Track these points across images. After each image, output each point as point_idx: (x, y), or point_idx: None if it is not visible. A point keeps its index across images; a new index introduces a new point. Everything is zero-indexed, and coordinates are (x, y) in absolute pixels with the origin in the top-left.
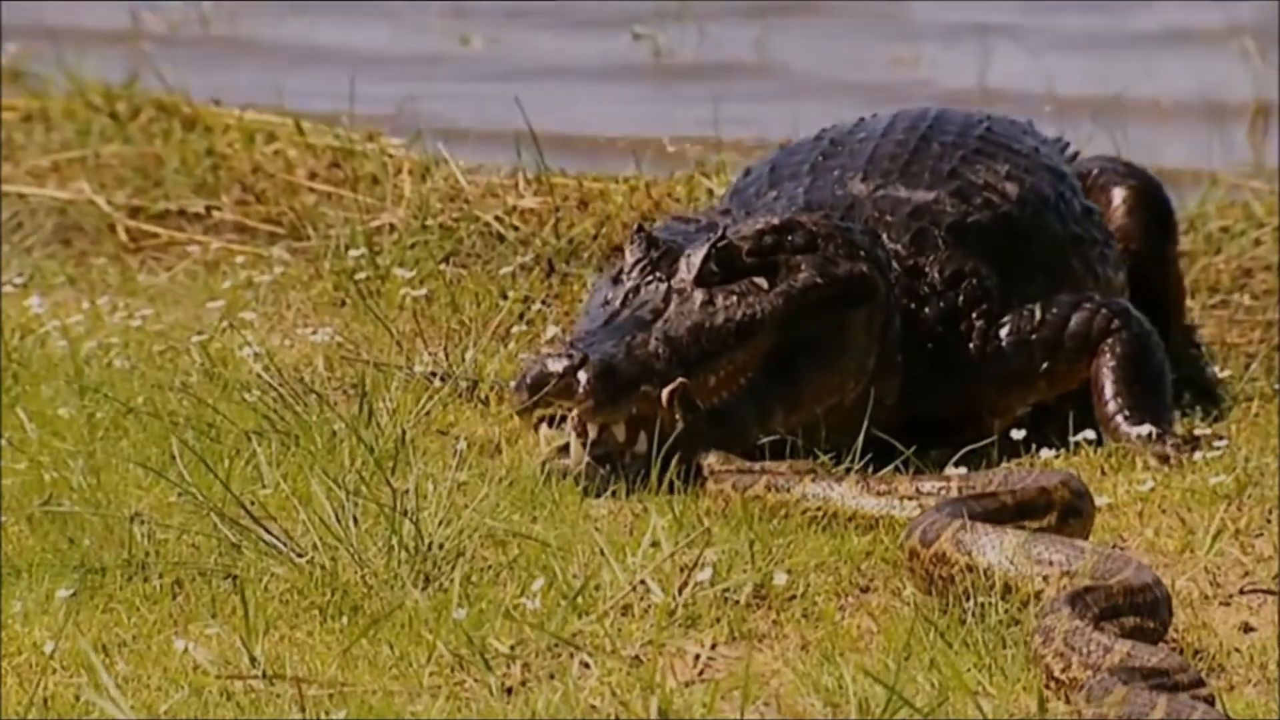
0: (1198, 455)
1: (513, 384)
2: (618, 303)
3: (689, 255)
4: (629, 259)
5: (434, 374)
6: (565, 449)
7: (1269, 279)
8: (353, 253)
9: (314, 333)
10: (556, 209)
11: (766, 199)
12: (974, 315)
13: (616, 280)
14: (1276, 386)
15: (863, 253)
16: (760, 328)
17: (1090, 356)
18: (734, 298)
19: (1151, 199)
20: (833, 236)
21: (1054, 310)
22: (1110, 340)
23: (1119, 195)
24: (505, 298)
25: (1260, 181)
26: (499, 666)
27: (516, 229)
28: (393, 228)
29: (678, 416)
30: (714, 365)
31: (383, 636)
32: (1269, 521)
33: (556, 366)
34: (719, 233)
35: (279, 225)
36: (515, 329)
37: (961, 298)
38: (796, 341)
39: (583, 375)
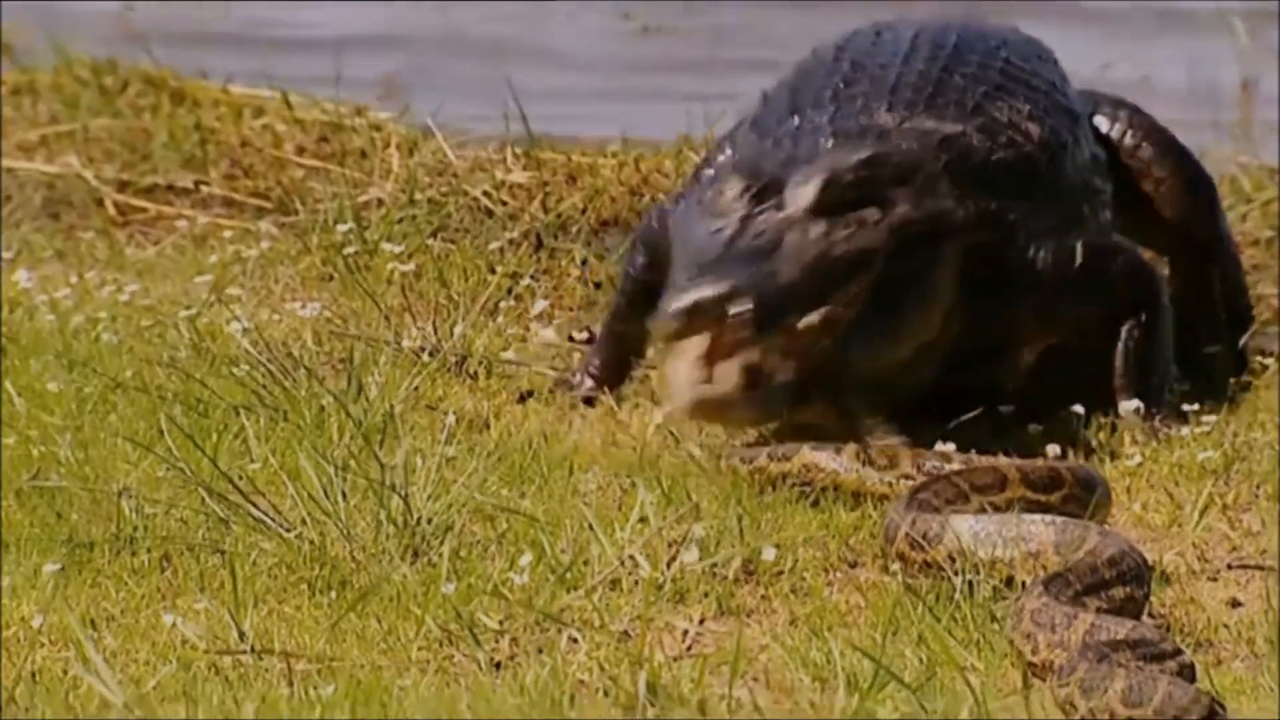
0: (1185, 431)
1: (660, 313)
2: (729, 232)
3: (798, 184)
4: (732, 188)
5: (422, 349)
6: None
7: (1257, 254)
8: (341, 227)
9: (302, 307)
10: (545, 184)
11: (789, 126)
12: (1004, 247)
13: (718, 211)
14: (1266, 361)
15: (944, 188)
16: (874, 260)
17: (1109, 306)
18: (848, 229)
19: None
20: (922, 170)
21: (1096, 252)
22: (1139, 307)
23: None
24: (494, 272)
25: (1248, 156)
26: (487, 641)
27: (505, 204)
28: (381, 202)
29: (819, 346)
30: (836, 298)
31: (371, 611)
32: (1257, 497)
33: (706, 293)
34: (821, 161)
35: (267, 200)
36: (503, 304)
37: (993, 232)
38: (898, 277)
39: (737, 304)
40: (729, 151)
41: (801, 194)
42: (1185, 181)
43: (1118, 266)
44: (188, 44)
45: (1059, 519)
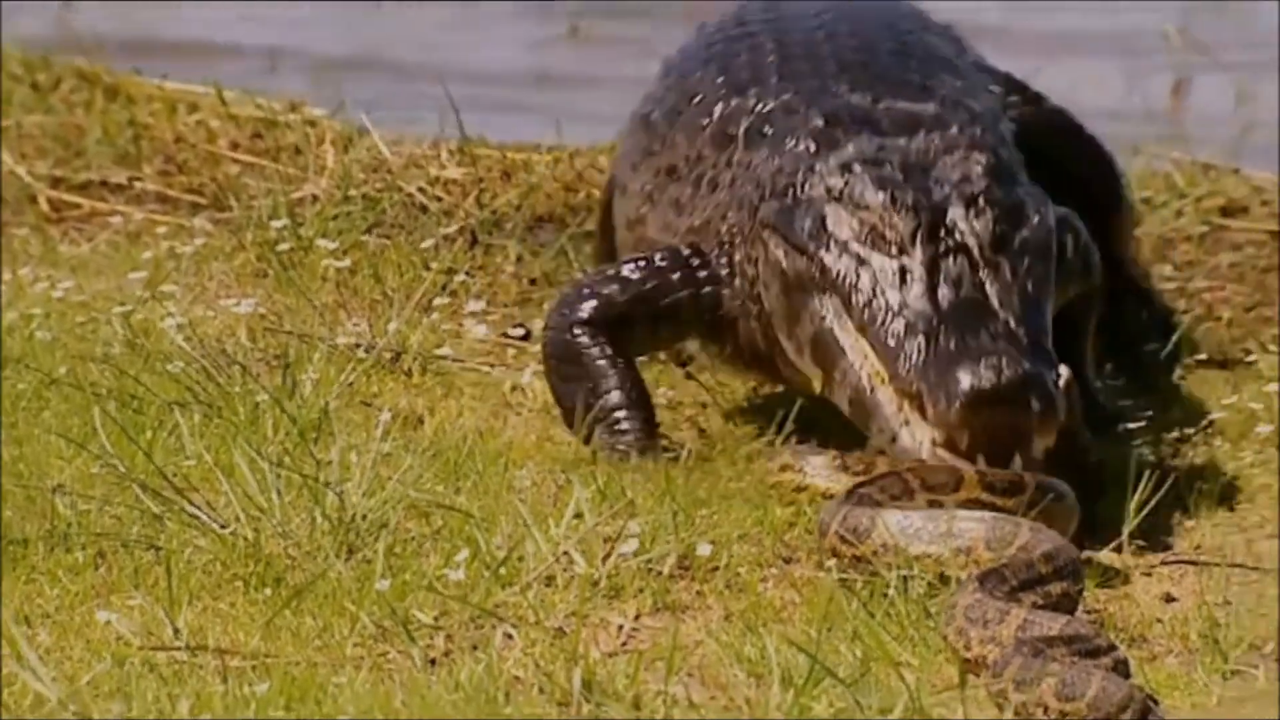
0: (1120, 426)
1: (932, 390)
2: (920, 277)
3: (967, 218)
4: (899, 224)
5: (357, 345)
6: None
7: (1190, 249)
8: (275, 223)
9: (237, 304)
10: (480, 180)
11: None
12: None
13: (888, 250)
14: (1203, 357)
15: (1026, 179)
16: (1048, 286)
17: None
18: (1026, 258)
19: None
20: (1007, 159)
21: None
22: (1093, 292)
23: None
24: (428, 269)
25: (1181, 152)
26: (422, 638)
27: (440, 200)
28: (315, 199)
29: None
30: (1050, 339)
31: (306, 608)
32: (1191, 491)
33: (999, 381)
34: (977, 183)
35: (201, 196)
36: (438, 300)
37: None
38: (1052, 294)
39: (1034, 394)
40: (644, 136)
41: (972, 227)
42: (1089, 160)
43: (1085, 240)
44: (129, 50)
45: (991, 515)
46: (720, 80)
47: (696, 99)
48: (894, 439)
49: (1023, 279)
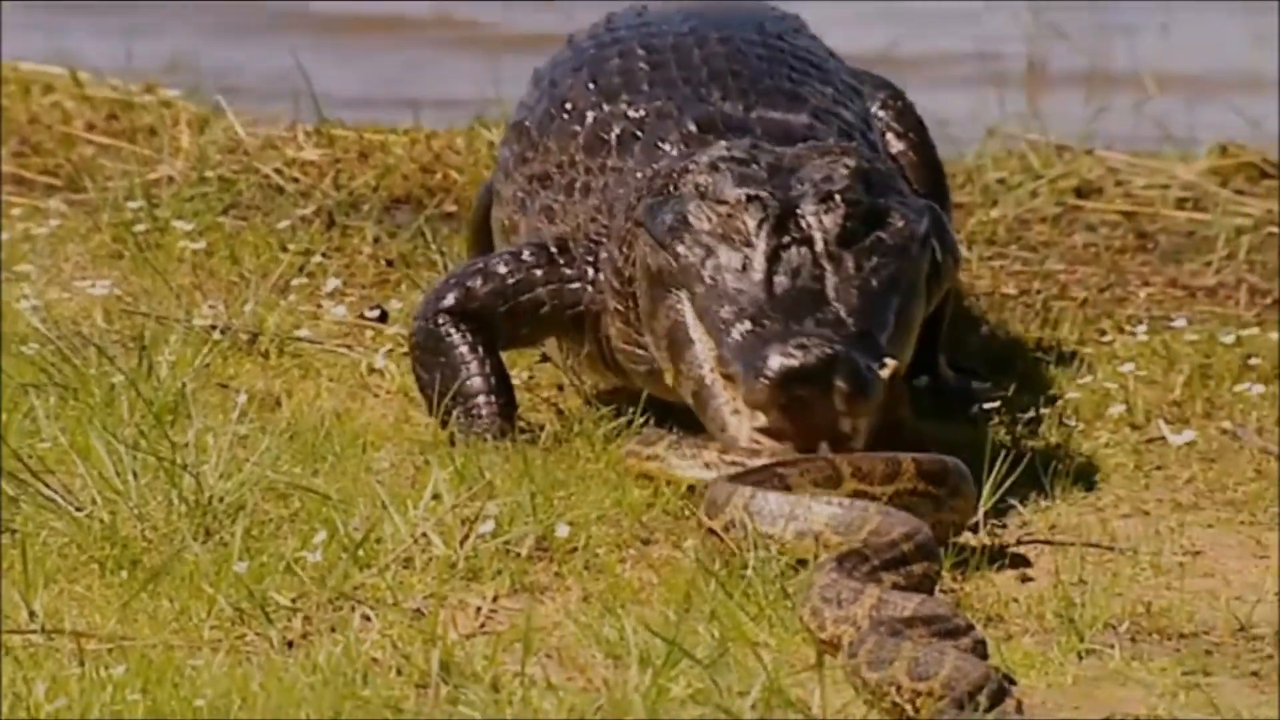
0: (975, 408)
1: (741, 370)
2: (759, 268)
3: (816, 213)
4: (747, 218)
5: (214, 326)
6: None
7: (1045, 230)
8: (131, 205)
9: (92, 285)
10: (336, 161)
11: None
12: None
13: (732, 240)
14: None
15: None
16: (900, 286)
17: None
18: (875, 256)
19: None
20: (885, 169)
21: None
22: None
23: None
24: (285, 250)
25: (1037, 133)
26: (280, 620)
27: (296, 181)
28: (171, 180)
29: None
30: (895, 340)
31: (163, 590)
32: (1046, 471)
33: (805, 359)
34: (833, 186)
35: (56, 177)
36: (295, 281)
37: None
38: (912, 294)
39: (840, 373)
40: (520, 145)
41: (821, 222)
42: (927, 167)
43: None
44: None
45: (845, 501)
46: (592, 87)
47: (568, 106)
48: (724, 428)
49: (868, 275)
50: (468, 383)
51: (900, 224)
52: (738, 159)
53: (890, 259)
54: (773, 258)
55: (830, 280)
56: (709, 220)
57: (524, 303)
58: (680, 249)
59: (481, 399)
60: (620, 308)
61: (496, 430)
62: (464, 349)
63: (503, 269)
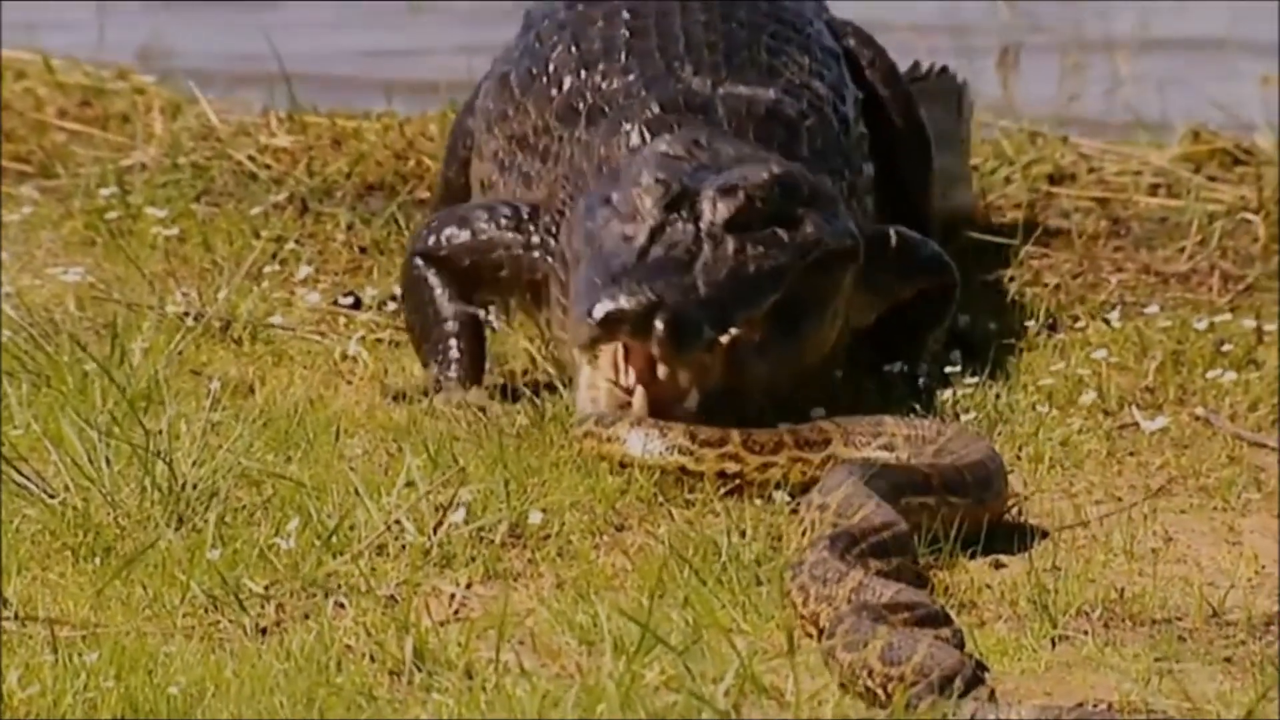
0: (948, 394)
1: (575, 314)
2: (642, 239)
3: (713, 197)
4: (646, 196)
5: (187, 313)
6: (615, 392)
7: (1018, 217)
8: (104, 191)
9: (65, 272)
10: (309, 148)
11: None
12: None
13: (629, 216)
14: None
15: (845, 209)
16: (783, 279)
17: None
18: (762, 246)
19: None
20: (825, 192)
21: (911, 235)
22: (942, 285)
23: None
24: (258, 237)
25: (1010, 120)
26: (253, 607)
27: (269, 168)
28: (144, 166)
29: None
30: (750, 315)
31: (136, 577)
32: (1019, 458)
33: (628, 304)
34: (731, 176)
35: (28, 164)
36: (268, 268)
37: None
38: (801, 297)
39: (660, 318)
40: (500, 100)
41: (714, 207)
42: (909, 132)
43: (932, 251)
44: None
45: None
46: (574, 51)
47: (550, 69)
48: (579, 388)
49: (747, 261)
50: (441, 328)
51: (810, 231)
52: (671, 155)
53: (783, 256)
54: (657, 230)
55: (704, 255)
56: (624, 202)
57: (488, 261)
58: (588, 225)
59: (453, 343)
60: (564, 280)
61: (462, 377)
62: (439, 295)
63: (478, 224)
